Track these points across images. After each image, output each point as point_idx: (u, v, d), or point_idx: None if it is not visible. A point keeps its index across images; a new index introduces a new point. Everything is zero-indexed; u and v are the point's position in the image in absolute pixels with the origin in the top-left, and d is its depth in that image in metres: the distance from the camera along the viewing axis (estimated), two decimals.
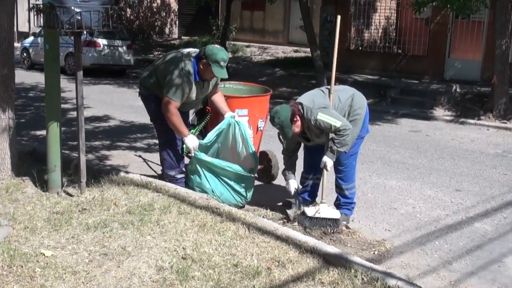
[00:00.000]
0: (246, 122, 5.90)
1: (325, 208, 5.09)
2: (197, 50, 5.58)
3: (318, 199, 5.39)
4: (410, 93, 14.48)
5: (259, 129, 6.19)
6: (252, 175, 5.67)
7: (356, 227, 5.43)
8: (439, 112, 13.20)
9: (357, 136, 5.26)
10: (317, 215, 5.03)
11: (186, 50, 5.59)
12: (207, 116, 6.03)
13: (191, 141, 5.47)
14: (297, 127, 5.04)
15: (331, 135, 5.01)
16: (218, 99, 5.81)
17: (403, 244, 5.11)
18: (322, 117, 4.92)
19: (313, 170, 5.48)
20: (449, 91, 14.07)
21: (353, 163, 5.46)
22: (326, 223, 5.04)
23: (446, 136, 10.60)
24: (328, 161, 5.04)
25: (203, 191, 5.49)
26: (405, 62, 16.65)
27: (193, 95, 5.48)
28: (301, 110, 5.03)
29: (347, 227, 5.27)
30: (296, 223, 5.07)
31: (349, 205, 5.50)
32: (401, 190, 6.76)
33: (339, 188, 5.46)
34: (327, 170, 5.09)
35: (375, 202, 6.27)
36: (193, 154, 5.53)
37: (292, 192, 5.39)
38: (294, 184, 5.41)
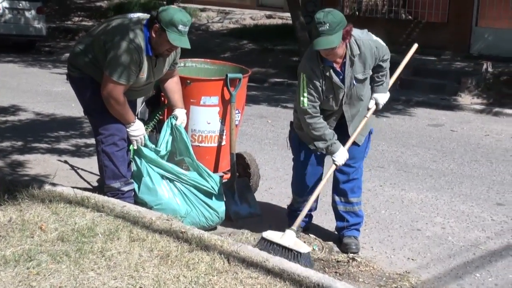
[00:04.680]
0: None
1: (291, 236, 5.09)
2: (148, 15, 5.56)
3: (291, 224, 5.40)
4: (426, 74, 14.65)
5: (235, 123, 6.19)
6: (217, 192, 5.77)
7: (369, 255, 5.47)
8: (465, 99, 13.41)
9: None
10: (281, 242, 5.02)
11: (135, 15, 5.57)
12: (163, 107, 6.02)
13: (136, 128, 5.56)
14: (342, 47, 5.08)
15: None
16: (173, 86, 5.85)
17: (433, 277, 5.15)
18: (378, 40, 5.32)
19: (309, 189, 5.56)
20: (478, 71, 14.28)
21: (362, 167, 5.65)
22: (289, 255, 4.97)
23: (478, 132, 10.78)
24: (381, 96, 5.46)
25: (161, 208, 5.51)
26: (418, 32, 16.86)
27: (144, 76, 5.47)
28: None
29: (353, 259, 5.33)
30: None
31: (359, 225, 5.62)
32: (425, 205, 6.85)
33: (347, 204, 5.56)
34: (378, 108, 5.51)
35: (392, 221, 6.34)
36: (135, 147, 5.60)
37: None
38: (346, 153, 5.35)
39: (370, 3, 18.04)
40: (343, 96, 5.27)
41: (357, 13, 17.91)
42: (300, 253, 4.94)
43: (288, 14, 16.95)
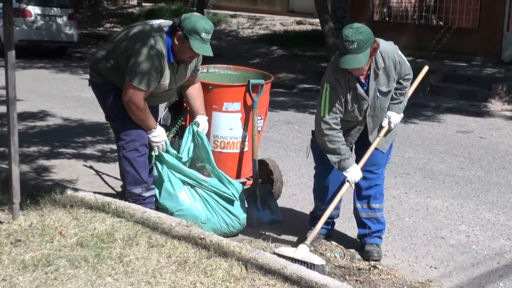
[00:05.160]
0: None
1: (304, 250, 5.03)
2: (170, 22, 5.58)
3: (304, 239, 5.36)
4: (456, 80, 14.55)
5: (257, 130, 6.17)
6: (238, 199, 5.76)
7: (390, 263, 5.43)
8: (496, 105, 13.28)
9: None
10: (294, 256, 4.95)
11: (156, 22, 5.59)
12: (186, 113, 6.03)
13: (158, 134, 5.57)
14: (367, 64, 5.06)
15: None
16: (194, 93, 5.85)
17: (456, 286, 5.10)
18: (401, 55, 5.29)
19: (331, 196, 5.52)
20: (509, 77, 14.15)
21: (384, 173, 5.64)
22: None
23: (507, 139, 10.65)
24: (395, 116, 5.40)
25: (181, 214, 5.52)
26: (449, 38, 16.75)
27: (166, 82, 5.48)
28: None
29: (375, 266, 5.28)
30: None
31: (381, 232, 5.59)
32: (450, 213, 6.78)
33: (370, 211, 5.53)
34: (390, 129, 5.43)
35: (415, 229, 6.28)
36: (156, 153, 5.61)
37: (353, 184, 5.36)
38: (359, 171, 5.30)
39: (400, 8, 17.95)
40: (367, 108, 5.24)
41: (387, 18, 17.82)
42: (314, 264, 4.87)
43: (318, 20, 16.93)
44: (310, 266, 4.85)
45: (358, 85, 5.17)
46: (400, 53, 5.27)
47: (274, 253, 5.00)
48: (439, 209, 6.86)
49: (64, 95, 13.13)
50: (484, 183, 7.88)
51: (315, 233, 5.26)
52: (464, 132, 11.11)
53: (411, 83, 5.51)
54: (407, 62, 5.32)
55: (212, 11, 23.60)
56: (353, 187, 5.34)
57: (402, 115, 5.50)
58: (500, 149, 9.80)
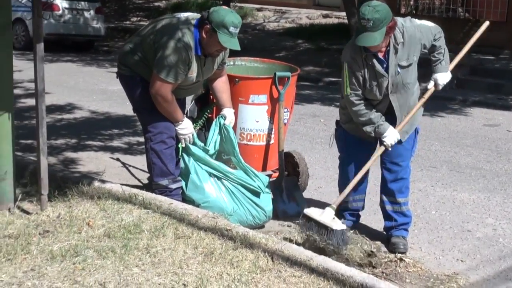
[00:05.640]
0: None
1: (329, 214, 5.20)
2: (197, 15, 5.62)
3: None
4: (483, 74, 14.47)
5: (283, 122, 6.18)
6: (264, 192, 5.78)
7: (417, 256, 5.42)
8: None
9: None
10: (318, 219, 5.13)
11: (183, 15, 5.61)
12: (212, 105, 6.05)
13: (185, 127, 5.61)
14: (385, 41, 5.10)
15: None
16: (221, 86, 5.87)
17: (482, 279, 5.08)
18: (420, 24, 5.28)
19: (356, 188, 5.56)
20: None
21: (410, 166, 5.64)
22: (324, 232, 5.10)
23: None
24: (441, 76, 5.41)
25: (208, 206, 5.55)
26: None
27: (193, 75, 5.50)
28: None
29: (401, 259, 5.28)
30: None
31: (407, 225, 5.58)
32: (477, 206, 6.75)
33: (395, 205, 5.53)
34: (437, 89, 5.45)
35: (442, 222, 6.27)
36: (183, 145, 5.64)
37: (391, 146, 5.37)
38: (396, 133, 5.34)
39: (427, 1, 17.86)
40: (387, 85, 5.25)
41: (414, 11, 17.72)
42: (334, 229, 5.04)
43: (345, 13, 16.89)
44: (330, 231, 5.03)
45: (376, 62, 5.19)
46: (419, 22, 5.29)
47: (303, 214, 5.25)
48: (466, 202, 6.83)
49: (91, 88, 13.21)
50: (511, 177, 7.83)
51: (342, 197, 5.36)
52: (491, 125, 11.04)
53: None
54: (430, 25, 5.34)
55: (239, 4, 23.62)
56: (389, 149, 5.34)
57: (450, 74, 5.49)
58: None
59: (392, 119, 5.38)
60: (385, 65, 5.21)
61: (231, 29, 5.30)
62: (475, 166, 8.25)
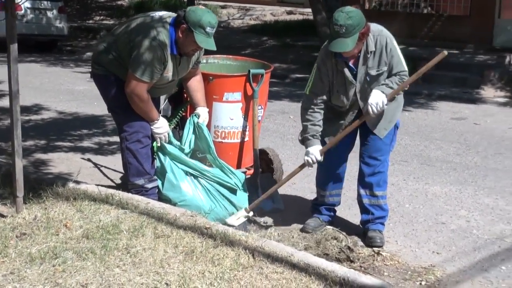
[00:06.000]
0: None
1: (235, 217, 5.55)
2: (171, 13, 5.60)
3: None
4: (448, 68, 14.57)
5: (257, 119, 6.19)
6: (240, 189, 5.80)
7: (393, 249, 5.47)
8: (488, 92, 13.35)
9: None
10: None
11: (158, 14, 5.60)
12: (186, 104, 6.04)
13: (160, 126, 5.59)
14: (357, 47, 5.09)
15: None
16: (195, 85, 5.86)
17: (459, 271, 5.13)
18: (395, 46, 5.19)
19: (333, 182, 5.65)
20: (501, 64, 14.22)
21: (388, 160, 5.67)
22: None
23: (502, 125, 10.72)
24: (379, 96, 5.14)
25: (185, 204, 5.54)
26: (440, 26, 16.78)
27: (169, 74, 5.49)
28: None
29: (378, 253, 5.32)
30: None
31: (383, 218, 5.63)
32: (449, 198, 6.83)
33: (372, 198, 5.56)
34: (374, 112, 5.17)
35: (416, 215, 6.33)
36: (159, 144, 5.63)
37: (312, 165, 5.41)
38: (316, 152, 5.33)
39: None
40: (354, 91, 5.27)
41: (378, 7, 17.83)
42: (235, 226, 5.33)
43: (309, 10, 16.96)
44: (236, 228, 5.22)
45: (346, 69, 5.22)
46: (396, 44, 5.23)
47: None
48: (438, 195, 6.91)
49: (57, 88, 13.10)
50: (481, 169, 7.93)
51: (257, 202, 5.64)
52: (458, 119, 11.17)
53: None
54: (401, 56, 5.25)
55: (203, 2, 23.55)
56: (310, 167, 5.43)
57: (384, 97, 5.15)
58: (495, 135, 9.86)
59: (362, 127, 5.46)
60: (354, 72, 5.25)
61: (208, 29, 5.30)
62: (445, 159, 8.35)
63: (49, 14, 19.13)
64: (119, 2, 26.60)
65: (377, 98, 5.14)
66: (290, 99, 12.82)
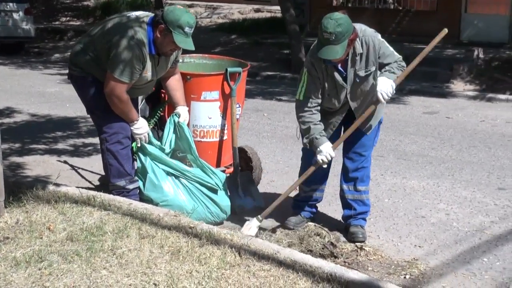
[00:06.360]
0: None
1: (248, 227, 5.47)
2: (148, 13, 5.58)
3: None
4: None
5: (236, 118, 6.19)
6: (221, 188, 5.79)
7: (376, 244, 5.51)
8: (458, 86, 13.50)
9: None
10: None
11: (134, 13, 5.57)
12: (164, 104, 6.02)
13: (140, 126, 5.58)
14: (346, 52, 5.06)
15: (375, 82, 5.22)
16: (175, 84, 5.85)
17: (442, 263, 5.18)
18: (381, 40, 5.20)
19: (319, 178, 5.66)
20: (469, 58, 14.37)
21: (371, 156, 5.73)
22: None
23: (473, 118, 10.85)
24: (387, 82, 5.13)
25: (166, 204, 5.53)
26: (408, 21, 16.93)
27: (148, 74, 5.47)
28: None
29: (361, 248, 5.36)
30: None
31: (365, 214, 5.67)
32: (427, 192, 6.89)
33: (356, 193, 5.61)
34: (385, 98, 5.17)
35: (396, 209, 6.38)
36: (139, 145, 5.62)
37: (325, 165, 5.36)
38: (329, 149, 5.27)
39: None
40: (345, 95, 5.29)
41: (345, 3, 17.91)
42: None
43: (276, 7, 17.00)
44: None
45: (336, 73, 5.21)
46: (380, 38, 5.23)
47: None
48: (416, 189, 6.97)
49: (28, 91, 12.98)
50: (456, 162, 8.01)
51: (270, 210, 5.56)
52: (430, 113, 11.27)
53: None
54: (390, 47, 5.24)
55: (169, 1, 23.47)
56: (325, 165, 5.34)
57: (389, 80, 5.17)
58: (468, 128, 9.96)
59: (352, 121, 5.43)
60: (344, 75, 5.25)
61: (186, 29, 5.29)
62: (421, 154, 8.42)
63: (15, 16, 18.95)
64: (85, 3, 26.40)
65: (386, 84, 5.14)
66: (262, 96, 12.86)
